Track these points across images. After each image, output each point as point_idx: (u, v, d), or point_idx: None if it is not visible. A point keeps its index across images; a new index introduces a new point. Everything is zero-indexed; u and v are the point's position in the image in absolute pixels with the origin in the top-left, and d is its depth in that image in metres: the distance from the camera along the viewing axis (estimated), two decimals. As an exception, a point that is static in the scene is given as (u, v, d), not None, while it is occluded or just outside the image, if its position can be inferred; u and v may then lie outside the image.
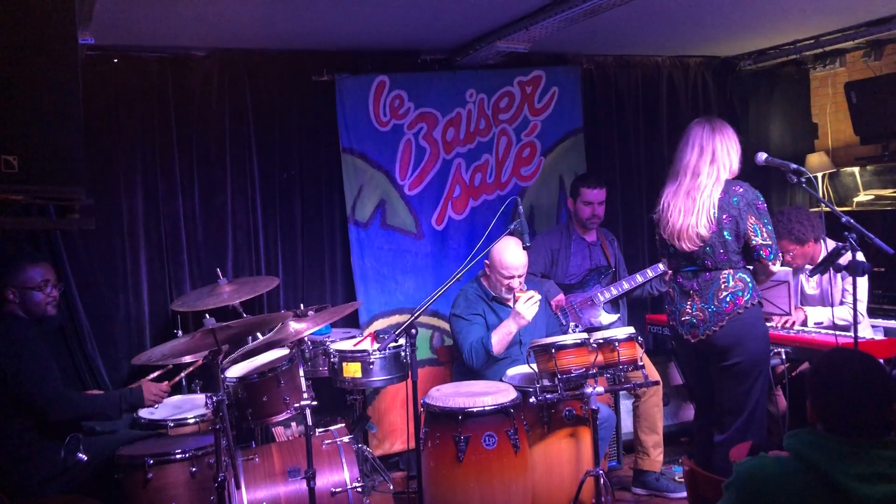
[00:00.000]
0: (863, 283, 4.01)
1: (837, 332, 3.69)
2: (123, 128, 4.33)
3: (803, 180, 3.31)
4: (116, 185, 4.32)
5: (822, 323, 4.13)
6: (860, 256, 3.22)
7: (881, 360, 3.73)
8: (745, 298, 3.33)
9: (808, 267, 4.27)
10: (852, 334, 3.35)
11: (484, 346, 3.82)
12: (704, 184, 3.32)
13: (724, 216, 3.30)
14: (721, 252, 3.34)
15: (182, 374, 3.74)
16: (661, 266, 4.35)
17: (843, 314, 4.02)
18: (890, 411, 1.88)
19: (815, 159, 5.75)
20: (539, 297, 3.83)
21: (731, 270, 3.36)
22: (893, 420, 1.89)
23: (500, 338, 3.81)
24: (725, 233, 3.31)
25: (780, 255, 3.35)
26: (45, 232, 4.08)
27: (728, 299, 3.33)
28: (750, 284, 3.35)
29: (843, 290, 4.14)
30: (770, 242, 3.30)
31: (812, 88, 6.01)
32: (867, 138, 5.29)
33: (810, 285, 4.32)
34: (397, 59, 4.89)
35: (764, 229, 3.29)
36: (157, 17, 3.78)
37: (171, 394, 3.73)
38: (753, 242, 3.30)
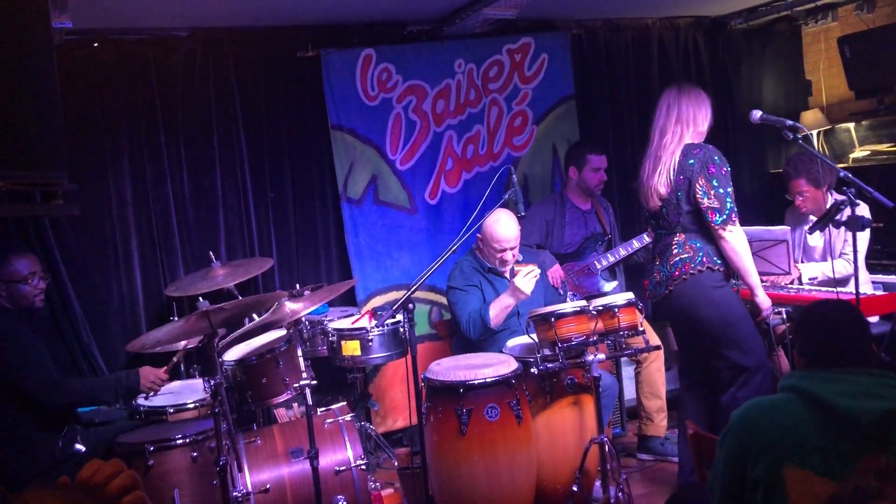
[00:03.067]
0: (862, 236, 3.98)
1: (839, 289, 3.66)
2: (107, 112, 4.26)
3: (800, 137, 3.26)
4: (103, 171, 4.26)
5: (815, 278, 4.11)
6: (860, 211, 3.18)
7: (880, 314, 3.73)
8: (694, 265, 3.32)
9: (813, 219, 4.24)
10: (853, 290, 3.32)
11: (481, 318, 3.79)
12: (668, 142, 3.36)
13: (680, 177, 3.31)
14: (674, 214, 3.36)
15: (174, 359, 3.68)
16: (646, 237, 4.33)
17: (838, 267, 4.00)
18: (870, 350, 1.98)
19: (810, 117, 5.69)
20: (538, 271, 3.80)
21: (683, 235, 3.37)
22: (873, 359, 1.98)
23: (497, 311, 3.78)
24: (679, 193, 3.32)
25: (735, 222, 3.26)
26: (33, 221, 4.03)
27: (677, 264, 3.36)
28: (702, 250, 3.33)
29: (844, 241, 4.12)
30: (718, 206, 3.24)
31: (804, 45, 5.95)
32: (862, 93, 5.23)
33: (814, 237, 4.29)
34: (383, 31, 4.80)
35: (713, 192, 3.24)
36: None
37: (170, 380, 3.70)
38: (701, 205, 3.27)
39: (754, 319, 3.43)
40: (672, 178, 3.31)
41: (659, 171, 3.35)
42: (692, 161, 3.29)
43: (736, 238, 3.27)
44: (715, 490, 2.03)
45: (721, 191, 3.25)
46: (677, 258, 3.36)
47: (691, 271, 3.33)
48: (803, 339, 2.04)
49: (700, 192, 3.26)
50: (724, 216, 3.24)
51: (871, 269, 4.51)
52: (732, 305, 3.37)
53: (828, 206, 4.14)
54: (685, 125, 3.35)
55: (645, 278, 3.63)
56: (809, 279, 4.09)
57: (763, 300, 3.37)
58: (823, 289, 3.93)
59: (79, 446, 3.24)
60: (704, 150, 3.30)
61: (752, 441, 1.91)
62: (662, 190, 3.35)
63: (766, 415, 1.93)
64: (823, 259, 4.30)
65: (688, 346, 3.62)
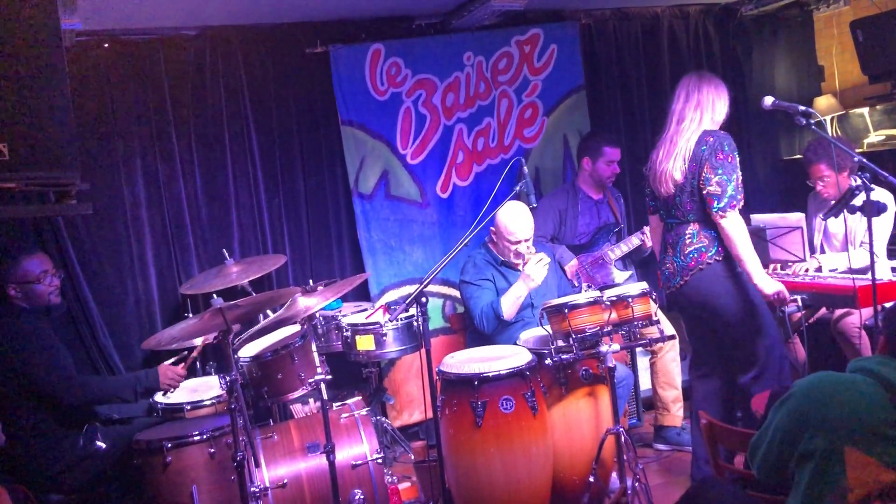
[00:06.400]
0: (882, 222, 3.93)
1: (854, 276, 3.62)
2: (119, 112, 4.28)
3: (812, 122, 3.23)
4: (116, 171, 4.28)
5: (836, 269, 4.06)
6: (879, 196, 3.15)
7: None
8: (710, 254, 3.31)
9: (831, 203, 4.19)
10: (869, 277, 3.29)
11: (494, 311, 3.78)
12: (685, 128, 3.32)
13: (693, 164, 3.28)
14: (688, 201, 3.32)
15: (193, 354, 3.72)
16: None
17: (861, 256, 3.95)
18: None
19: (823, 102, 5.64)
20: (549, 259, 3.79)
21: (698, 224, 3.33)
22: None
23: (510, 302, 3.77)
24: (693, 181, 3.29)
25: (735, 209, 3.22)
26: (48, 222, 4.06)
27: (692, 255, 3.34)
28: (717, 240, 3.31)
29: (866, 229, 4.06)
30: (719, 192, 3.20)
31: (816, 30, 5.89)
32: (876, 77, 5.17)
33: (834, 224, 4.23)
34: (391, 25, 4.80)
35: (715, 179, 3.21)
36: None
37: (186, 377, 3.73)
38: (703, 191, 3.25)
39: (774, 308, 3.40)
40: (686, 165, 3.29)
41: (674, 156, 3.31)
42: (704, 148, 3.26)
43: (731, 224, 3.23)
44: (758, 454, 2.00)
45: (724, 178, 3.21)
46: (692, 248, 3.34)
47: (708, 261, 3.31)
48: (890, 328, 1.98)
49: (704, 179, 3.24)
50: (724, 203, 3.21)
51: (891, 254, 4.46)
52: (750, 294, 3.34)
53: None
54: (704, 112, 3.32)
55: (657, 269, 3.59)
56: (831, 270, 4.04)
57: (763, 285, 3.26)
58: (839, 276, 3.90)
59: (99, 443, 3.27)
60: (716, 138, 3.27)
61: (816, 412, 1.86)
62: (678, 176, 3.30)
63: (836, 390, 1.88)
64: (844, 246, 4.25)
65: (700, 336, 3.59)
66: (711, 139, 3.27)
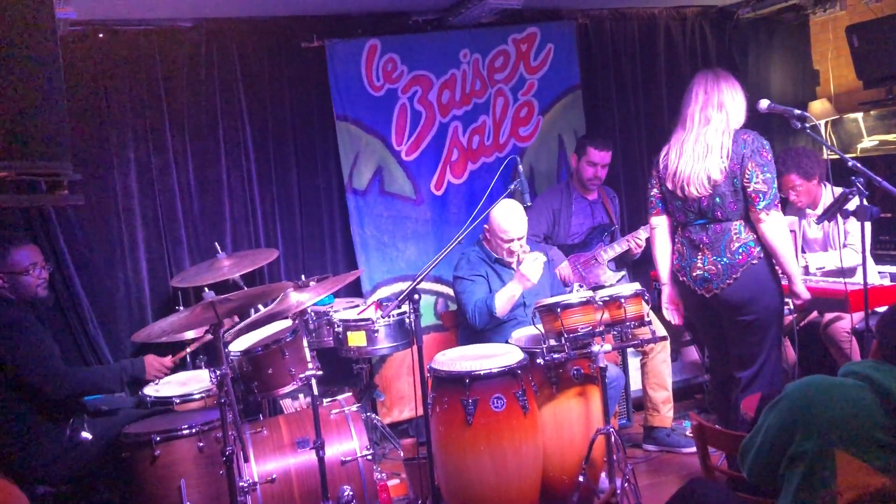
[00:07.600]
0: (866, 227, 3.96)
1: (846, 280, 3.63)
2: (112, 103, 4.25)
3: (808, 126, 3.24)
4: (109, 162, 4.26)
5: (822, 268, 4.09)
6: (857, 201, 3.17)
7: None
8: (758, 250, 3.27)
9: (810, 212, 4.22)
10: (861, 281, 3.30)
11: (487, 306, 3.77)
12: (716, 128, 3.28)
13: (733, 164, 3.24)
14: (731, 201, 3.27)
15: (188, 350, 3.71)
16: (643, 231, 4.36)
17: (847, 258, 3.98)
18: None
19: (818, 107, 5.66)
20: (544, 257, 3.79)
21: (743, 221, 3.30)
22: None
23: (504, 299, 3.76)
24: (735, 181, 3.25)
25: (777, 207, 3.22)
26: (39, 212, 4.03)
27: (741, 250, 3.28)
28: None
29: (846, 232, 4.09)
30: (765, 189, 3.20)
31: (812, 34, 5.91)
32: (870, 82, 5.19)
33: (812, 229, 4.27)
34: (388, 21, 4.79)
35: (761, 176, 3.20)
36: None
37: (176, 370, 3.71)
38: (749, 189, 3.23)
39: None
40: (726, 165, 3.24)
41: (707, 154, 3.26)
42: (744, 146, 3.24)
43: (774, 222, 3.22)
44: (748, 456, 2.00)
45: (769, 175, 3.21)
46: (740, 244, 3.28)
47: (758, 255, 3.27)
48: (885, 333, 1.97)
49: (748, 176, 3.21)
50: (768, 201, 3.21)
51: (880, 259, 4.48)
52: (783, 294, 3.34)
53: (823, 198, 4.13)
54: (729, 110, 3.30)
55: (684, 276, 3.46)
56: (817, 269, 4.07)
57: (801, 290, 3.31)
58: (831, 279, 3.91)
59: (85, 434, 3.25)
60: (754, 136, 3.27)
61: (807, 415, 1.86)
62: (717, 175, 3.25)
63: (828, 393, 1.87)
64: (824, 251, 4.28)
65: (726, 339, 3.47)
66: (749, 138, 3.26)
